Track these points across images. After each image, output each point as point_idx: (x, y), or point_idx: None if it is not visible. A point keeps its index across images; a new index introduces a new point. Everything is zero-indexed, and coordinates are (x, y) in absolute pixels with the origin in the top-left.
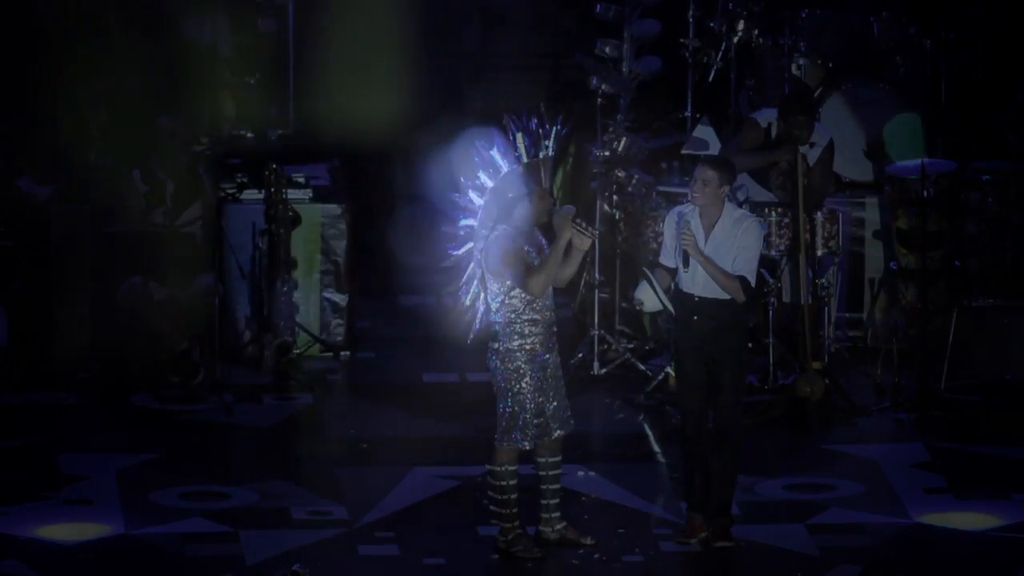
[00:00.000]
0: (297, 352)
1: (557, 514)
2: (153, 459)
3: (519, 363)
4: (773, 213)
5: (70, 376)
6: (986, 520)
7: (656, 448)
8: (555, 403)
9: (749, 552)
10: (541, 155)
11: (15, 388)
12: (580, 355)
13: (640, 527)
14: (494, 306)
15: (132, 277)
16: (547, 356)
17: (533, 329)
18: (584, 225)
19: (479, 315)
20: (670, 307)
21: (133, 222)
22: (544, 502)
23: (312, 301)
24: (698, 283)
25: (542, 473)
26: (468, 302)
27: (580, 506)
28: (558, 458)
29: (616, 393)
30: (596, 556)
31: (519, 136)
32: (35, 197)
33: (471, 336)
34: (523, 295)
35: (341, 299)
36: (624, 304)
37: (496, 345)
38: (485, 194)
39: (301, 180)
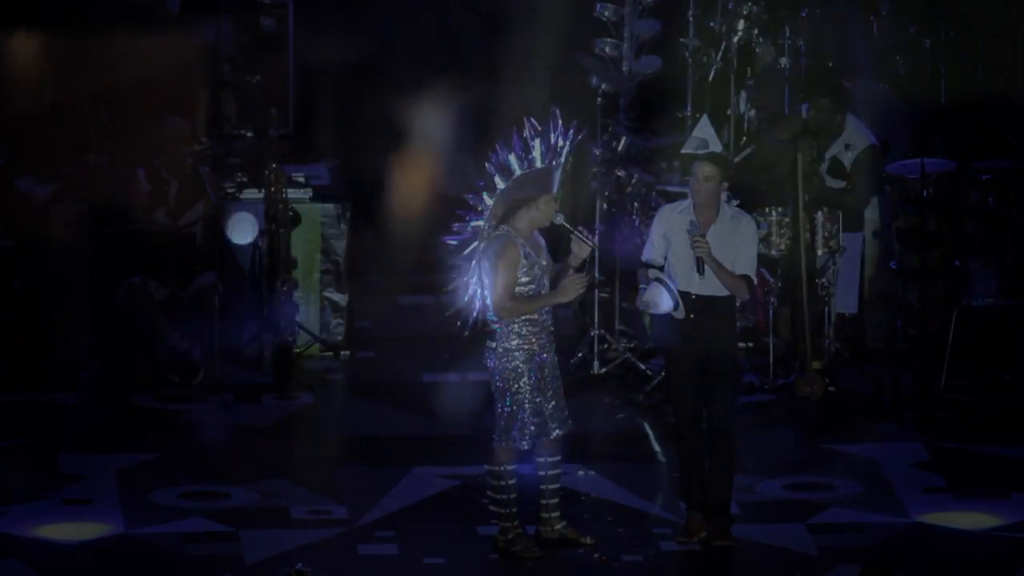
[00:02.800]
0: (297, 352)
1: (557, 513)
2: (153, 459)
3: (517, 363)
4: (773, 213)
5: (70, 376)
6: (986, 520)
7: (656, 448)
8: (553, 403)
9: (749, 552)
10: (555, 162)
11: (15, 388)
12: (580, 355)
13: (640, 527)
14: (491, 303)
15: (132, 277)
16: (545, 356)
17: (531, 329)
18: (585, 232)
19: (475, 311)
20: (682, 308)
21: (135, 221)
22: (544, 502)
23: (312, 301)
24: (695, 281)
25: (541, 473)
26: (466, 298)
27: (580, 506)
28: (558, 457)
29: (616, 393)
30: (596, 556)
31: (537, 142)
32: (35, 197)
33: (467, 332)
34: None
35: (341, 299)
36: (624, 304)
37: (493, 345)
38: (495, 195)
39: (301, 180)
